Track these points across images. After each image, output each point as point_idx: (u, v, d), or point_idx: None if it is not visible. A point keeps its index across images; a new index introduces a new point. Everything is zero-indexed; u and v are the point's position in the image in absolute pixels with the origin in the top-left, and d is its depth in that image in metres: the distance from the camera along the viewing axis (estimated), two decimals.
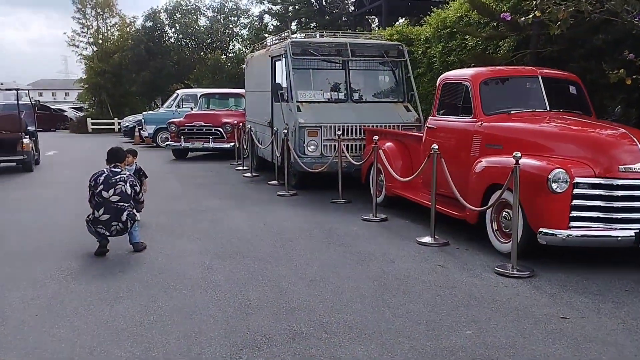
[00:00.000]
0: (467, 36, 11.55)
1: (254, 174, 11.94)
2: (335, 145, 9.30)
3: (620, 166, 5.12)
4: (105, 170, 6.01)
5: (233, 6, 35.84)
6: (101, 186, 5.85)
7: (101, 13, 32.97)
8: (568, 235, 5.03)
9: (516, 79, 6.67)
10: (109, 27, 33.52)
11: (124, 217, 5.84)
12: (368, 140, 9.21)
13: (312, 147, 9.47)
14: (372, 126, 9.44)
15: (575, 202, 5.11)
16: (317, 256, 5.84)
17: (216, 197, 9.48)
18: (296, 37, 10.69)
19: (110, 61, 31.80)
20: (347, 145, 9.38)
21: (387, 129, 9.41)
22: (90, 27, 32.91)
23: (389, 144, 8.25)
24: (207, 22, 35.89)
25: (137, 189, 6.14)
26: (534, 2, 7.00)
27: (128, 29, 34.05)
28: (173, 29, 35.18)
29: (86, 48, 33.11)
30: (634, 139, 5.25)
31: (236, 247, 6.17)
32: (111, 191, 5.84)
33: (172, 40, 35.16)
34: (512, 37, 10.06)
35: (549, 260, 5.45)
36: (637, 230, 4.99)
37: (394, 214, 7.83)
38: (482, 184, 5.90)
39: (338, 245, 6.26)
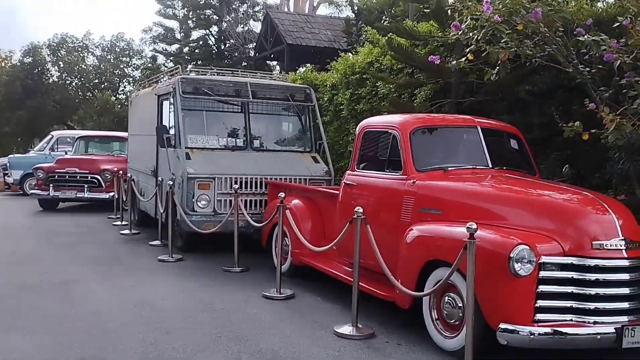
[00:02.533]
0: (379, 83, 10.63)
1: (133, 231, 10.12)
2: (231, 201, 7.82)
3: (593, 242, 4.04)
4: None
5: (125, 46, 33.74)
6: None
7: None
8: (535, 334, 3.83)
9: (452, 129, 5.58)
10: None
11: None
12: (271, 196, 7.82)
13: (203, 202, 7.92)
14: (276, 179, 8.07)
15: (542, 288, 3.95)
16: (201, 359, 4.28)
17: (81, 262, 7.61)
18: (188, 74, 9.21)
19: None
20: (246, 201, 7.94)
21: (294, 183, 8.09)
22: None
23: (296, 201, 6.90)
24: (96, 60, 33.47)
25: None
26: (469, 45, 6.05)
27: (3, 64, 30.89)
28: (56, 67, 32.39)
29: None
30: (607, 207, 4.22)
31: (88, 348, 4.46)
32: None
33: (55, 78, 32.31)
34: (429, 86, 9.20)
35: None
36: (619, 326, 3.89)
37: (302, 287, 6.41)
38: (417, 260, 4.64)
39: (231, 339, 4.72)
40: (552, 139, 7.66)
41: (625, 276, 4.01)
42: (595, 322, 3.94)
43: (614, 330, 3.88)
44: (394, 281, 4.62)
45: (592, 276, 3.98)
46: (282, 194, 6.04)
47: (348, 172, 5.93)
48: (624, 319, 3.97)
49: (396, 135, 5.35)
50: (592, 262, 3.98)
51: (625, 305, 4.00)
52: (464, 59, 6.11)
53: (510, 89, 8.00)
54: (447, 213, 4.72)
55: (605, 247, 4.03)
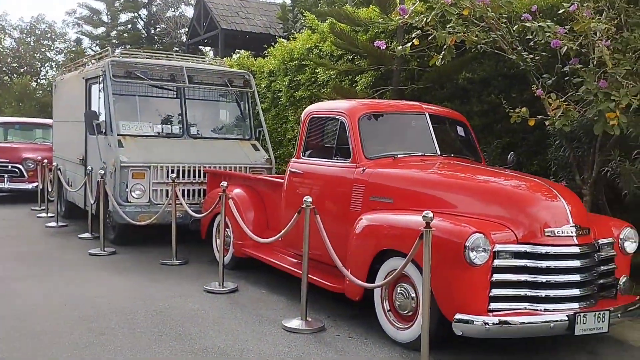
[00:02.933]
0: (319, 69, 10.45)
1: (60, 224, 9.52)
2: (167, 191, 7.46)
3: (545, 229, 4.01)
4: None
5: (46, 28, 31.99)
6: None
7: None
8: (490, 324, 3.76)
9: (400, 115, 5.45)
10: None
11: None
12: (210, 185, 7.51)
13: (138, 192, 7.51)
14: (215, 167, 7.76)
15: (496, 276, 3.89)
16: None
17: (3, 258, 7.05)
18: (118, 56, 8.71)
19: None
20: (183, 190, 7.59)
21: (234, 171, 7.80)
22: None
23: (237, 190, 6.62)
24: (14, 43, 31.56)
25: None
26: (413, 30, 5.95)
27: None
28: None
29: None
30: (557, 194, 4.21)
31: (12, 353, 4.07)
32: None
33: None
34: (370, 72, 9.10)
35: (466, 352, 4.17)
36: (571, 313, 3.88)
37: (245, 280, 6.17)
38: (368, 250, 4.51)
39: (174, 337, 4.43)
40: (491, 126, 7.73)
41: (576, 263, 4.01)
42: (546, 310, 3.92)
43: (567, 318, 3.86)
44: (345, 272, 4.46)
45: (545, 264, 3.96)
46: (224, 183, 5.76)
47: (293, 159, 5.71)
48: (576, 305, 3.97)
49: (344, 122, 5.18)
50: (545, 250, 3.96)
51: (576, 292, 4.00)
52: (409, 44, 6.01)
53: (451, 77, 8.02)
54: (398, 201, 4.60)
55: (556, 234, 4.01)
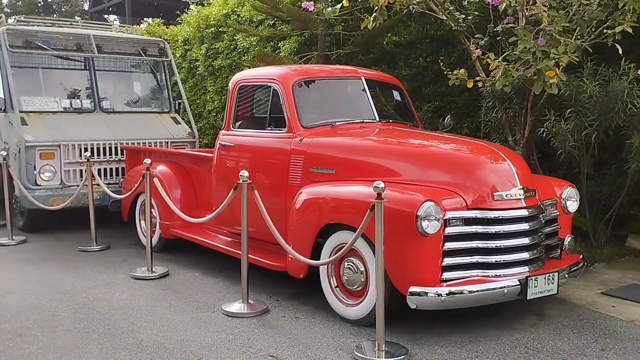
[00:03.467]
0: (238, 36, 9.96)
1: None
2: (81, 171, 6.89)
3: (495, 193, 3.90)
4: None
5: None
6: None
7: None
8: (445, 295, 3.62)
9: (335, 81, 5.17)
10: None
11: None
12: (129, 163, 6.98)
13: (48, 174, 6.88)
14: (133, 144, 7.22)
15: (448, 245, 3.75)
16: None
17: None
18: (15, 24, 7.87)
19: None
20: (99, 170, 7.03)
21: (155, 147, 7.29)
22: None
23: (161, 167, 6.15)
24: None
25: None
26: None
27: None
28: None
29: None
30: (503, 156, 4.10)
31: None
32: None
33: None
34: (293, 38, 8.74)
35: (418, 324, 4.02)
36: (522, 277, 3.81)
37: (176, 263, 5.77)
38: (312, 225, 4.25)
39: (103, 333, 4.01)
40: (419, 90, 7.62)
41: (525, 226, 3.93)
42: (497, 276, 3.83)
43: (519, 282, 3.79)
44: (288, 249, 4.19)
45: (495, 229, 3.85)
46: (148, 160, 5.30)
47: (222, 131, 5.32)
48: (526, 269, 3.90)
49: (277, 89, 4.84)
50: (495, 214, 3.84)
51: (526, 255, 3.92)
52: (338, 5, 5.72)
53: (378, 41, 7.81)
54: (340, 172, 4.35)
55: (505, 198, 3.90)
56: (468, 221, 3.82)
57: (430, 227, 3.64)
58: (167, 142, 7.62)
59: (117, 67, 8.17)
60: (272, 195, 4.67)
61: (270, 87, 4.92)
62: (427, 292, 3.61)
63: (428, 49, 7.52)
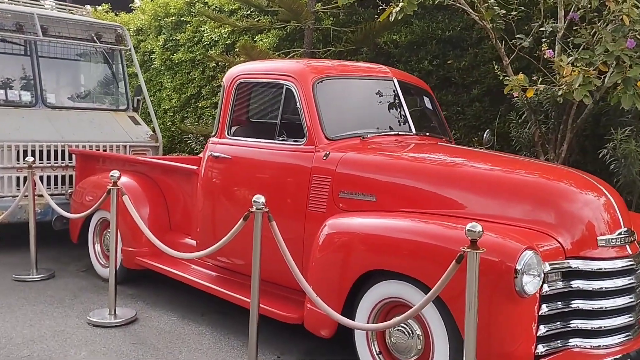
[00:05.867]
0: (204, 27, 8.79)
1: None
2: (19, 179, 5.59)
3: (599, 238, 2.98)
4: None
5: None
6: None
7: None
8: None
9: (363, 81, 4.12)
10: None
11: None
12: (80, 171, 5.73)
13: None
14: (84, 147, 5.97)
15: (545, 307, 2.80)
16: None
17: None
18: None
19: None
20: (42, 177, 5.73)
21: (112, 151, 6.06)
22: None
23: (125, 179, 4.93)
24: None
25: None
26: None
27: None
28: None
29: None
30: (601, 187, 3.20)
31: None
32: None
33: None
34: (273, 32, 7.67)
35: None
36: (634, 352, 2.91)
37: (143, 301, 4.59)
38: (346, 270, 3.20)
39: None
40: None
41: (631, 280, 3.03)
42: (598, 347, 2.91)
43: (629, 356, 2.89)
44: (319, 302, 3.11)
45: (599, 284, 2.92)
46: (116, 172, 4.10)
47: (214, 139, 4.19)
48: (629, 337, 3.01)
49: (292, 89, 3.77)
50: (601, 265, 2.93)
51: (630, 318, 3.03)
52: None
53: (375, 38, 6.85)
54: (383, 200, 3.33)
55: (611, 244, 2.99)
56: (568, 274, 2.89)
57: (531, 284, 2.68)
58: (126, 146, 6.38)
59: (66, 54, 6.84)
60: (283, 226, 3.58)
61: (282, 85, 3.84)
62: None
63: (434, 51, 6.61)
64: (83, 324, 4.07)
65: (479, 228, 2.47)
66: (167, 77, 9.90)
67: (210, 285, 4.09)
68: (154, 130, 6.82)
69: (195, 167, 4.43)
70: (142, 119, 7.12)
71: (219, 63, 8.10)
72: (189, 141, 8.50)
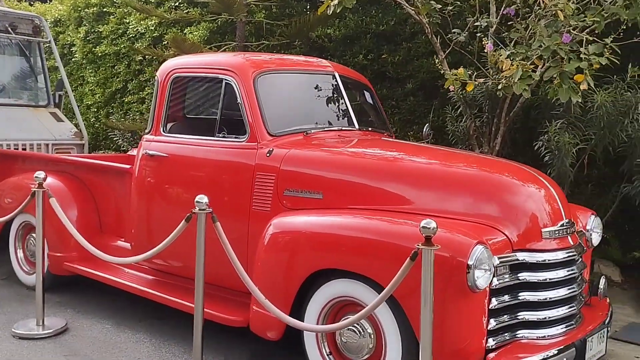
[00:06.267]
0: (130, 19, 8.42)
1: None
2: None
3: (543, 229, 3.03)
4: None
5: None
6: None
7: None
8: None
9: (304, 75, 4.01)
10: None
11: None
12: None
13: None
14: (1, 146, 5.57)
15: (495, 301, 2.81)
16: None
17: None
18: None
19: None
20: None
21: (33, 151, 5.68)
22: None
23: (50, 180, 4.60)
24: None
25: None
26: None
27: None
28: None
29: None
30: (542, 180, 3.26)
31: None
32: None
33: None
34: (204, 24, 7.44)
35: None
36: (578, 341, 2.97)
37: (73, 309, 4.33)
38: (295, 269, 3.11)
39: None
40: None
41: (573, 269, 3.11)
42: (545, 337, 2.96)
43: (574, 346, 2.95)
44: (268, 304, 3.00)
45: (544, 275, 2.97)
46: (41, 173, 3.82)
47: (148, 136, 3.98)
48: (572, 326, 3.08)
49: (232, 83, 3.62)
50: (546, 257, 2.97)
51: (573, 308, 3.10)
52: None
53: (309, 32, 6.77)
54: (330, 197, 3.25)
55: (555, 235, 3.05)
56: (514, 267, 2.92)
57: (482, 279, 2.68)
58: (48, 145, 6.00)
59: None
60: (226, 226, 3.44)
61: (221, 80, 3.68)
62: None
63: (368, 45, 6.61)
64: (7, 337, 3.77)
65: (433, 224, 2.44)
66: (90, 71, 9.44)
67: (147, 290, 3.89)
68: (78, 127, 6.46)
69: (128, 166, 4.20)
70: (64, 115, 6.74)
71: (146, 56, 7.79)
72: (115, 138, 8.14)
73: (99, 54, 9.10)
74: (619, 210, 4.98)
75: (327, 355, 3.11)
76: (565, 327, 3.04)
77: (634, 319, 4.41)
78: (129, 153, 5.73)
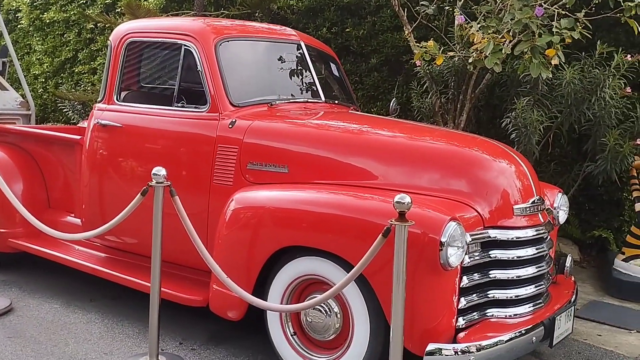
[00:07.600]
0: None
1: None
2: None
3: (515, 206, 2.96)
4: None
5: None
6: None
7: None
8: (475, 351, 2.60)
9: (269, 43, 3.81)
10: None
11: None
12: None
13: None
14: None
15: (465, 279, 2.73)
16: None
17: None
18: None
19: None
20: None
21: None
22: None
23: None
24: None
25: None
26: None
27: None
28: None
29: None
30: (514, 156, 3.18)
31: None
32: None
33: None
34: None
35: None
36: (547, 319, 2.93)
37: (19, 288, 4.07)
38: (259, 247, 2.96)
39: None
40: None
41: (543, 247, 3.05)
42: (514, 316, 2.90)
43: (542, 325, 2.90)
44: (231, 284, 2.84)
45: (515, 253, 2.91)
46: None
47: (100, 105, 3.73)
48: (540, 305, 3.03)
49: (192, 50, 3.40)
50: (518, 234, 2.90)
51: (542, 286, 3.05)
52: None
53: (270, 3, 6.54)
54: (296, 171, 3.10)
55: (526, 212, 2.98)
56: (486, 244, 2.84)
57: (455, 256, 2.58)
58: None
59: None
60: (185, 201, 3.25)
61: (180, 46, 3.46)
62: (457, 350, 2.55)
63: (332, 18, 6.43)
64: None
65: (408, 199, 2.32)
66: (37, 39, 8.96)
67: (100, 268, 3.68)
68: (24, 97, 6.08)
69: (78, 137, 3.94)
70: (9, 84, 6.34)
71: (98, 24, 7.41)
72: (64, 109, 7.76)
73: (47, 21, 8.65)
74: (580, 189, 5.00)
75: (291, 335, 2.98)
76: (534, 306, 2.99)
77: (593, 297, 4.44)
78: (79, 125, 5.44)
